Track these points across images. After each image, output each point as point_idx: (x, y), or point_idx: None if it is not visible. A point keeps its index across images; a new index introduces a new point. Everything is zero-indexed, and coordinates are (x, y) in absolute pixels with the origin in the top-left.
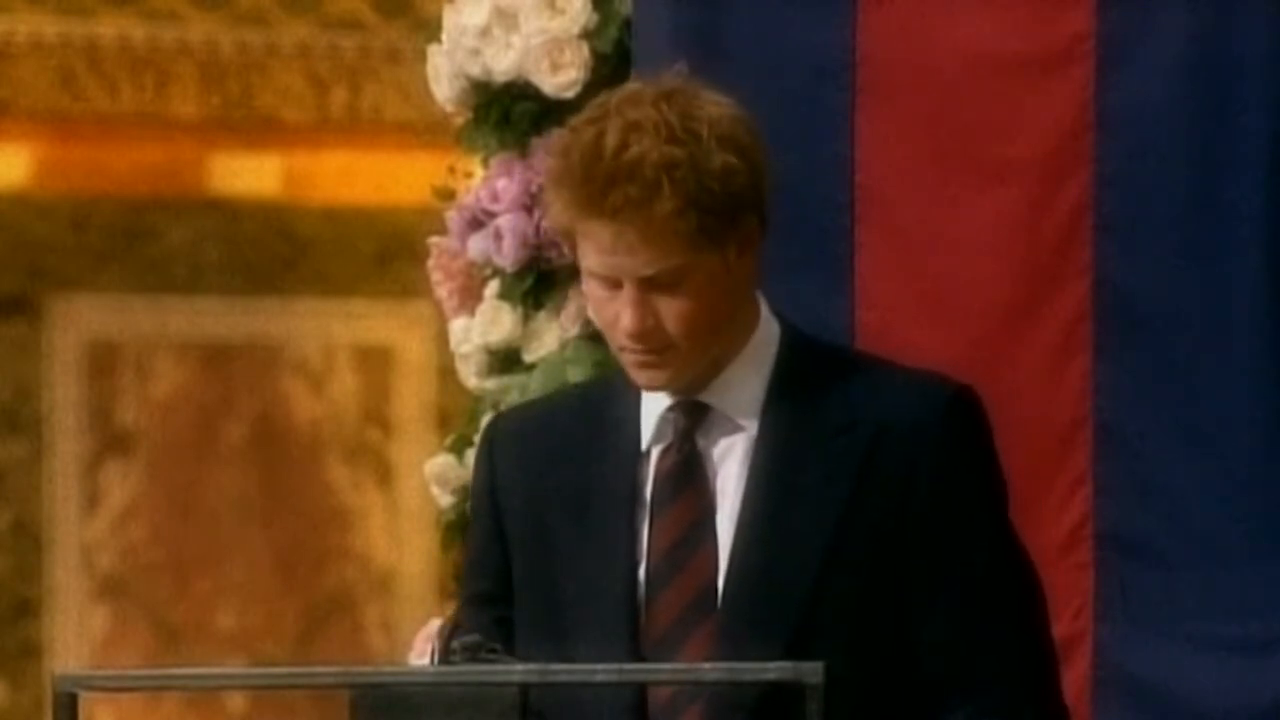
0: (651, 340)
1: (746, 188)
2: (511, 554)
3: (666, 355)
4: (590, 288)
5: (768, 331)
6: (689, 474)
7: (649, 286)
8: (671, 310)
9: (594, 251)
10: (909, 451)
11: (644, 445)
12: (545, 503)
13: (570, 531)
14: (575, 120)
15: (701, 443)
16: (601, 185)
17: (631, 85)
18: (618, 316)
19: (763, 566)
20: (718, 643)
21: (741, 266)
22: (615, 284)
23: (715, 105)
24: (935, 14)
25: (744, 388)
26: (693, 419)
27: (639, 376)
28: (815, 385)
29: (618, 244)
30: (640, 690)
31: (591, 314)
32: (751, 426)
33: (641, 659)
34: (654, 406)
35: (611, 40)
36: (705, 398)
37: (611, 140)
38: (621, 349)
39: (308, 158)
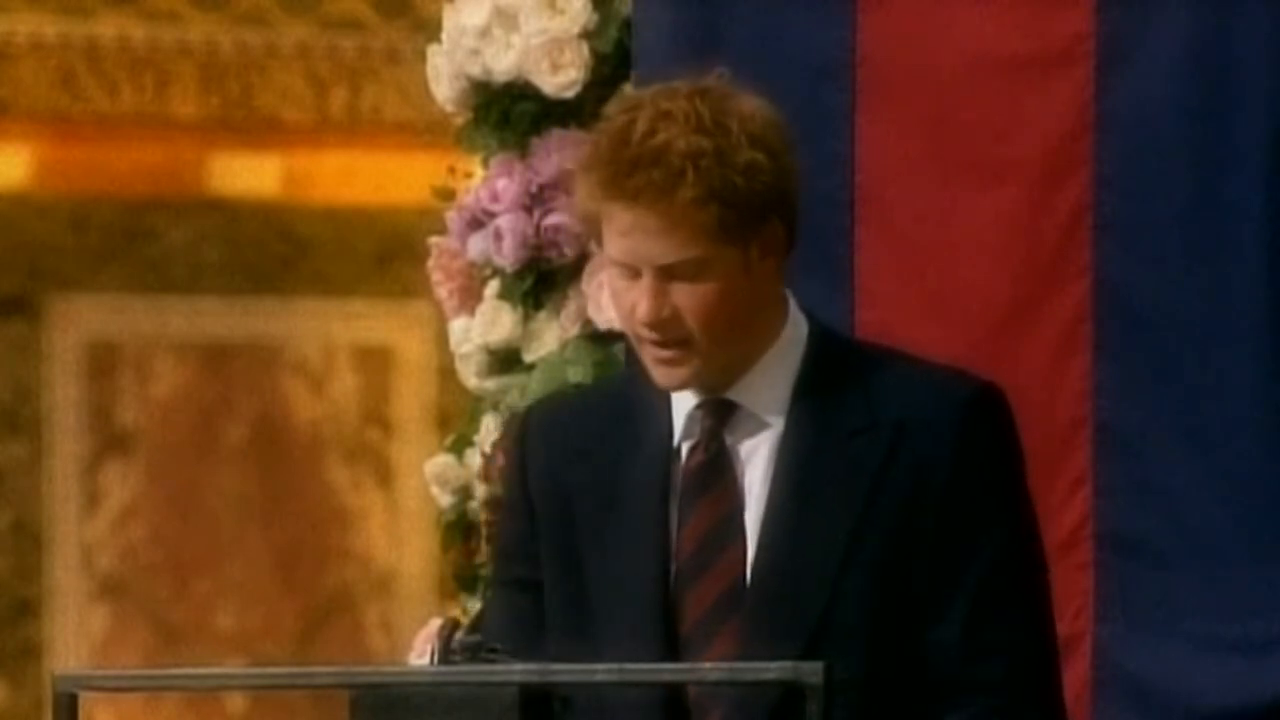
0: (667, 331)
1: (771, 187)
2: (541, 544)
3: (684, 351)
4: (610, 278)
5: (795, 330)
6: (717, 472)
7: (667, 276)
8: (689, 301)
9: (614, 235)
10: (925, 451)
11: (675, 441)
12: (575, 496)
13: (600, 525)
14: (609, 109)
15: (729, 440)
16: (626, 168)
17: (671, 83)
18: (635, 305)
19: (786, 565)
20: (744, 640)
21: (764, 269)
22: (635, 273)
23: (750, 105)
24: (935, 14)
25: (771, 386)
26: (720, 417)
27: (658, 374)
28: (840, 384)
29: (636, 228)
30: (674, 687)
31: (612, 307)
32: (778, 424)
33: (672, 654)
34: (684, 403)
35: (611, 40)
36: (733, 396)
37: (641, 126)
38: (640, 341)
39: (308, 158)
